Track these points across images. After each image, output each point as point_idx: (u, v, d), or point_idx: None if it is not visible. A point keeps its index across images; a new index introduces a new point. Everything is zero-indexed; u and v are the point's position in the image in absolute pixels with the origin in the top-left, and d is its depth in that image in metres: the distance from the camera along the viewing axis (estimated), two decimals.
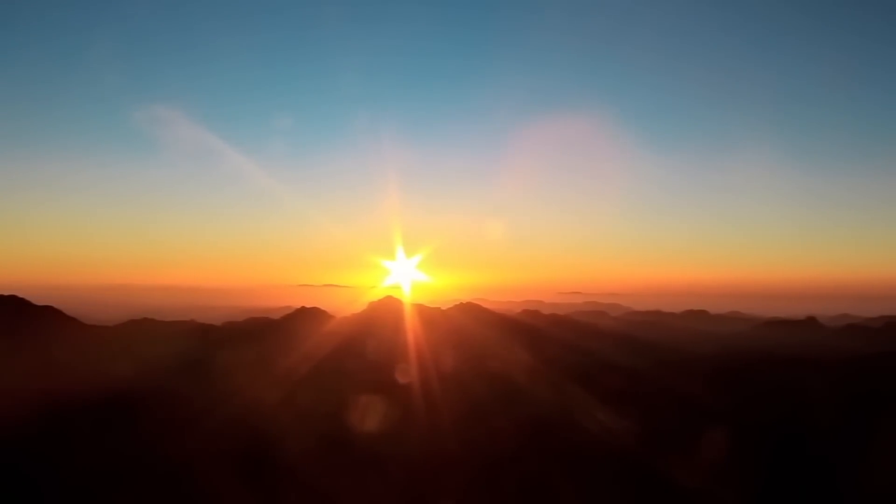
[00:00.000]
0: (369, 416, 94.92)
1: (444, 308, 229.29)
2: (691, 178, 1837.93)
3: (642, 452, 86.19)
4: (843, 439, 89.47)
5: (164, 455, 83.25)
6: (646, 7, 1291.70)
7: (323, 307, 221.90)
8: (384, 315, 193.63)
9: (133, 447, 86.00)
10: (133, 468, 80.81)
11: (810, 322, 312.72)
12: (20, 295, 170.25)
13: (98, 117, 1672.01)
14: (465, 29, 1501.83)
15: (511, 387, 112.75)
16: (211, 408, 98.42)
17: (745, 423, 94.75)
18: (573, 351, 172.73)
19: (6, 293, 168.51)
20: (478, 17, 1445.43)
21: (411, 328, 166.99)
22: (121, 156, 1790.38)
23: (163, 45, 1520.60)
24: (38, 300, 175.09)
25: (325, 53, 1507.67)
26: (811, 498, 79.50)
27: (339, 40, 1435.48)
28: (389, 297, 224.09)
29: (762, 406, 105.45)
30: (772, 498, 79.66)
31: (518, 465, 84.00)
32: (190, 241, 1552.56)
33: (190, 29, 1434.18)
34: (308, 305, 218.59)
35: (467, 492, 78.88)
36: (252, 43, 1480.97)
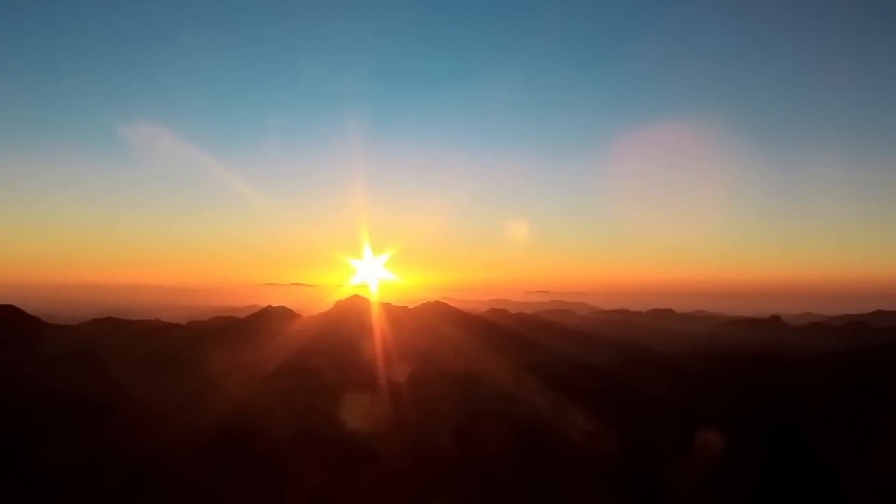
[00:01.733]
0: (336, 414, 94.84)
1: (411, 307, 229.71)
2: (656, 179, 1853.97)
3: (619, 452, 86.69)
4: (831, 436, 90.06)
5: (129, 455, 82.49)
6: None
7: (290, 306, 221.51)
8: (351, 314, 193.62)
9: (96, 447, 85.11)
10: (96, 469, 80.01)
11: (774, 320, 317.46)
12: None
13: (61, 116, 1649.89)
14: (432, 29, 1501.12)
15: (477, 385, 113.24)
16: (177, 408, 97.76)
17: (726, 421, 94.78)
18: (540, 349, 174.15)
19: None
20: (438, 16, 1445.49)
21: (378, 327, 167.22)
22: (85, 154, 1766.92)
23: (129, 43, 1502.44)
24: None
25: (292, 53, 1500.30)
26: (803, 495, 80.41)
27: (306, 39, 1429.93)
28: (356, 296, 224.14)
29: (738, 404, 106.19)
30: (761, 497, 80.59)
31: (483, 464, 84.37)
32: (155, 239, 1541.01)
33: (155, 27, 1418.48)
34: (275, 304, 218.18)
35: (431, 490, 79.20)
36: (219, 42, 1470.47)
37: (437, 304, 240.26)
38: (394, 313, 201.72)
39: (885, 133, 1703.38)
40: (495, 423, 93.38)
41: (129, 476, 78.36)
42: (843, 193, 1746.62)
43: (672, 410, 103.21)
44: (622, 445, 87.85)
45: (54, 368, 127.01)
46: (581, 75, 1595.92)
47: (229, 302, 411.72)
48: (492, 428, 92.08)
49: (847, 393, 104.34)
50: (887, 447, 79.90)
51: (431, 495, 78.39)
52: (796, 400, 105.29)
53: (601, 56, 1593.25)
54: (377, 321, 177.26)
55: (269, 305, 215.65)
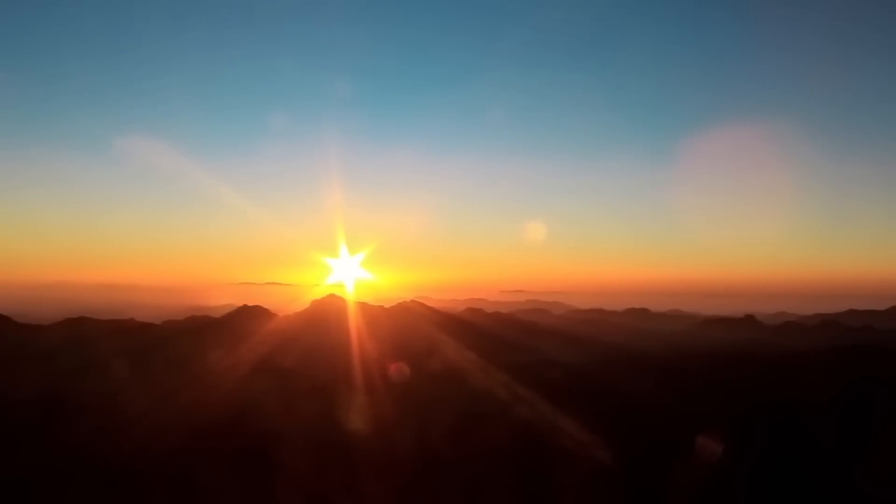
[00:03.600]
0: (312, 414, 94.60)
1: (387, 306, 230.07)
2: (629, 179, 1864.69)
3: (607, 454, 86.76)
4: (825, 436, 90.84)
5: (102, 457, 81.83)
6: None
7: (265, 305, 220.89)
8: (327, 313, 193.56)
9: (69, 449, 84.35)
10: (69, 471, 79.31)
11: (749, 320, 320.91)
12: None
13: (32, 113, 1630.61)
14: (408, 30, 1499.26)
15: (453, 385, 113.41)
16: (151, 408, 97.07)
17: (715, 422, 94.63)
18: (517, 349, 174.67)
19: None
20: (414, 17, 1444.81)
21: (354, 326, 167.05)
22: (57, 153, 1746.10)
23: (105, 40, 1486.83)
24: None
25: (269, 53, 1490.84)
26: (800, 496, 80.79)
27: (283, 39, 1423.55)
28: (333, 296, 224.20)
29: (726, 404, 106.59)
30: (758, 498, 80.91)
31: (457, 463, 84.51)
32: (129, 238, 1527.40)
33: (129, 27, 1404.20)
34: (250, 303, 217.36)
35: (404, 490, 79.26)
36: (195, 40, 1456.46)
37: (414, 303, 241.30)
38: (370, 312, 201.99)
39: (853, 132, 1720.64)
40: (471, 422, 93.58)
41: (103, 478, 77.73)
42: (814, 194, 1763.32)
43: (656, 410, 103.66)
44: (612, 449, 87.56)
45: (26, 369, 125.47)
46: (556, 75, 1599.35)
47: (204, 301, 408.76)
48: (468, 427, 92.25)
49: (839, 391, 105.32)
50: (887, 442, 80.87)
51: (408, 495, 78.55)
52: (788, 399, 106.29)
53: (573, 54, 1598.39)
54: (353, 320, 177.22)
55: (245, 305, 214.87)
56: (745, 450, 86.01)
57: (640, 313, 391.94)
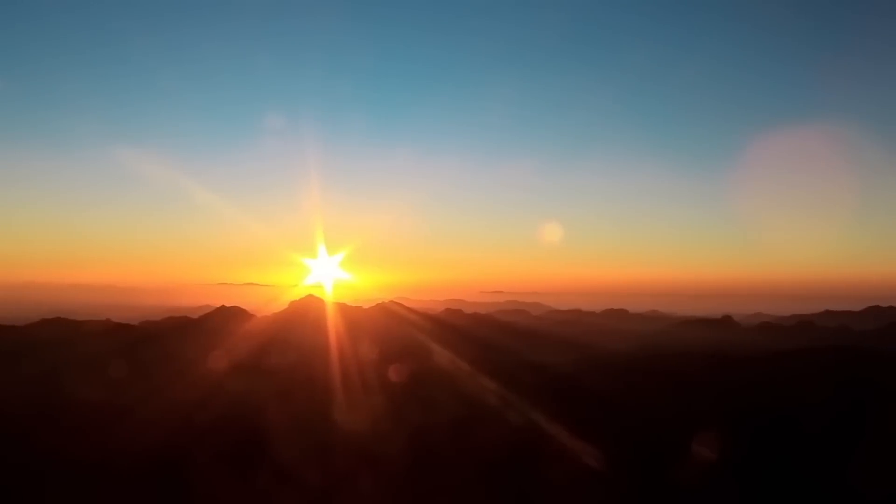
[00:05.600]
0: (290, 415, 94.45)
1: (366, 307, 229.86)
2: (608, 179, 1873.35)
3: (577, 451, 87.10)
4: (811, 434, 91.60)
5: (77, 459, 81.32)
6: None
7: (243, 306, 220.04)
8: (306, 314, 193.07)
9: (41, 453, 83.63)
10: (41, 476, 78.72)
11: (726, 320, 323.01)
12: None
13: (3, 113, 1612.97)
14: (383, 27, 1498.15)
15: (431, 385, 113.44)
16: (128, 410, 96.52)
17: (700, 421, 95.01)
18: (495, 349, 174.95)
19: None
20: (391, 14, 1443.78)
21: (333, 327, 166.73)
22: (31, 152, 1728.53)
23: (74, 40, 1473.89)
24: None
25: (243, 51, 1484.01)
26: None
27: (258, 38, 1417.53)
28: (311, 296, 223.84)
29: (714, 402, 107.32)
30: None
31: (437, 464, 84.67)
32: (106, 238, 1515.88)
33: (105, 24, 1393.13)
34: (228, 304, 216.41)
35: (383, 491, 79.32)
36: (169, 40, 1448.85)
37: (393, 303, 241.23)
38: (348, 313, 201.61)
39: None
40: (449, 422, 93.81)
41: (76, 483, 77.19)
42: (788, 196, 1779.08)
43: (637, 410, 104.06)
44: (590, 450, 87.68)
45: (0, 370, 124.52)
46: (531, 74, 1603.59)
47: (182, 302, 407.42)
48: (446, 428, 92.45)
49: (830, 392, 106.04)
50: (880, 441, 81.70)
51: (387, 496, 78.68)
52: (775, 399, 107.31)
53: (548, 54, 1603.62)
54: (332, 321, 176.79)
55: (223, 305, 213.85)
56: (733, 448, 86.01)
57: (619, 314, 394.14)
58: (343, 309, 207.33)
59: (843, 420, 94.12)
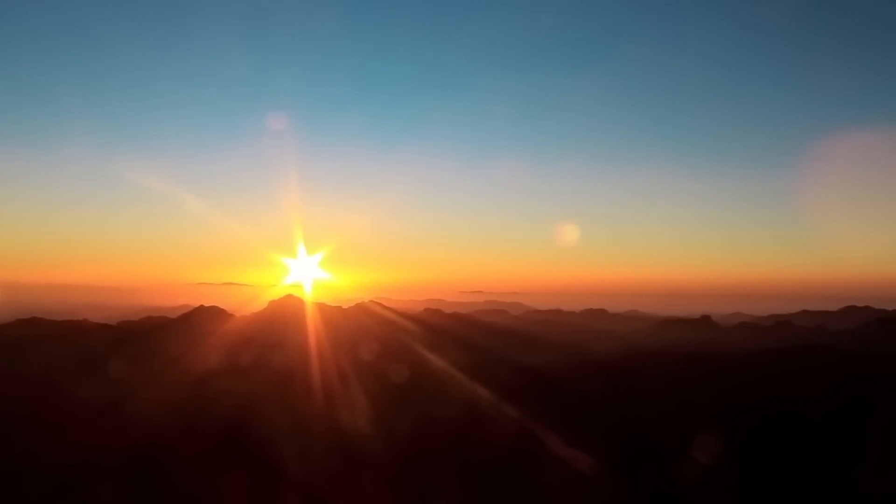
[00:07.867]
0: (268, 415, 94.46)
1: (345, 307, 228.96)
2: (587, 181, 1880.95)
3: (556, 449, 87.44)
4: (801, 434, 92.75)
5: (52, 463, 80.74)
6: None
7: (222, 306, 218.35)
8: (285, 314, 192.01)
9: (17, 455, 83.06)
10: (18, 477, 78.22)
11: (705, 320, 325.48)
12: None
13: None
14: (363, 26, 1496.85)
15: (410, 385, 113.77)
16: (105, 411, 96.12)
17: (691, 421, 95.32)
18: (475, 349, 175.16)
19: None
20: (368, 12, 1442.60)
21: (312, 327, 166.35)
22: (4, 151, 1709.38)
23: (49, 38, 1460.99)
24: None
25: (221, 50, 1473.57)
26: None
27: (235, 35, 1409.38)
28: (290, 296, 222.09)
29: (701, 402, 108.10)
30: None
31: (418, 464, 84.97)
32: (82, 237, 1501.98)
33: (81, 23, 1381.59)
34: (207, 304, 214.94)
35: (363, 490, 79.52)
36: (144, 38, 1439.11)
37: (372, 303, 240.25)
38: (328, 313, 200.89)
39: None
40: (429, 421, 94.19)
41: (52, 485, 76.75)
42: (774, 197, 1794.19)
43: (620, 410, 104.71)
44: (570, 449, 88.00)
45: None
46: (513, 75, 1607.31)
47: (160, 301, 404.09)
48: (426, 426, 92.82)
49: (822, 392, 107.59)
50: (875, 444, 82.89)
51: (368, 496, 78.91)
52: (768, 398, 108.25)
53: (526, 55, 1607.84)
54: (311, 321, 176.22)
55: (202, 305, 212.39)
56: (722, 449, 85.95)
57: (598, 314, 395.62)
58: (322, 309, 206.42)
59: (836, 419, 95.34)
